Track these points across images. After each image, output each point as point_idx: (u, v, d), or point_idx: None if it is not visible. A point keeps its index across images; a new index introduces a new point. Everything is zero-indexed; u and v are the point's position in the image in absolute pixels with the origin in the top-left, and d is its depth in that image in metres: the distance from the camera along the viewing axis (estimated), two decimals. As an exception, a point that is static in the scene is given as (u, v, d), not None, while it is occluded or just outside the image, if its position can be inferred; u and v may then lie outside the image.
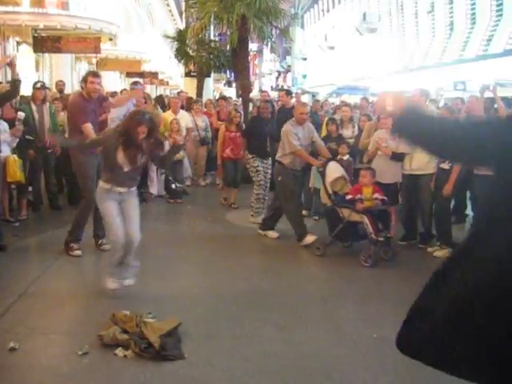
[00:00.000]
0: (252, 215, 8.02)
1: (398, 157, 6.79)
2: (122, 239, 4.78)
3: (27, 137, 7.62)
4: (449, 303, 1.85)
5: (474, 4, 19.70)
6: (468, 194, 7.85)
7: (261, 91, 12.72)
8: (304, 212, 8.44)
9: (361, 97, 12.04)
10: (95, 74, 6.34)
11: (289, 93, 10.89)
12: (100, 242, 6.34)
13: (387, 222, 6.26)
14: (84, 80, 6.16)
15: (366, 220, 6.12)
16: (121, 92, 12.02)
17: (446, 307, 1.86)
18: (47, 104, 8.16)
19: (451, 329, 1.83)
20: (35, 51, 14.79)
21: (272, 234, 7.28)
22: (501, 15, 18.01)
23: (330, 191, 6.48)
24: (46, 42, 14.36)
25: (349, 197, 6.39)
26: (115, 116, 7.59)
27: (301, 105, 7.76)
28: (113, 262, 4.87)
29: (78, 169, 6.22)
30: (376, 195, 6.35)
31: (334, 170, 6.65)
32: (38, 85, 8.37)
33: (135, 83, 9.46)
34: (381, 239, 6.11)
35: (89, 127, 5.94)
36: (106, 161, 4.96)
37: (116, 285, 4.87)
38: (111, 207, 4.81)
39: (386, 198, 6.43)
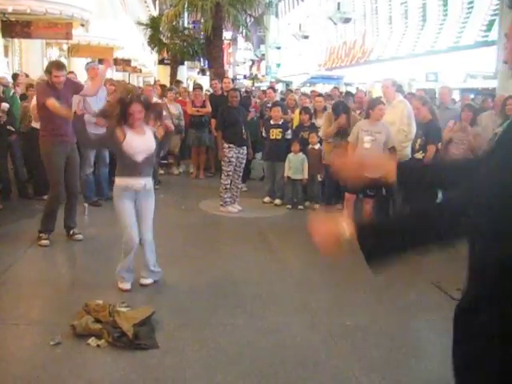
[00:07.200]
0: (221, 205, 8.03)
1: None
2: (136, 242, 4.73)
3: (8, 127, 7.61)
4: None
5: (446, -4, 19.93)
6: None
7: (224, 77, 12.54)
8: (277, 201, 8.51)
9: (332, 86, 12.13)
10: (59, 67, 6.03)
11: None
12: (72, 232, 6.29)
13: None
14: (48, 71, 5.93)
15: None
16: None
17: None
18: (1, 88, 8.04)
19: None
20: (4, 36, 14.41)
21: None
22: (472, 7, 18.23)
23: None
24: (15, 27, 13.99)
25: None
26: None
27: None
28: (125, 265, 4.77)
29: (44, 158, 6.03)
30: None
31: None
32: None
33: (89, 63, 9.09)
34: None
35: (53, 101, 5.72)
36: (117, 153, 4.83)
37: (128, 285, 4.77)
38: (126, 207, 4.72)
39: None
